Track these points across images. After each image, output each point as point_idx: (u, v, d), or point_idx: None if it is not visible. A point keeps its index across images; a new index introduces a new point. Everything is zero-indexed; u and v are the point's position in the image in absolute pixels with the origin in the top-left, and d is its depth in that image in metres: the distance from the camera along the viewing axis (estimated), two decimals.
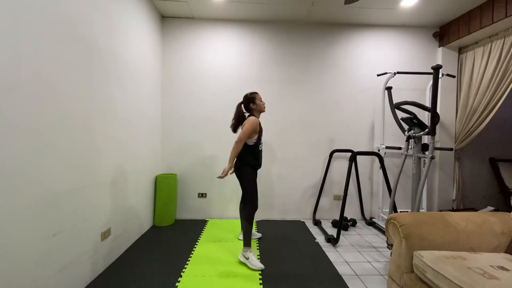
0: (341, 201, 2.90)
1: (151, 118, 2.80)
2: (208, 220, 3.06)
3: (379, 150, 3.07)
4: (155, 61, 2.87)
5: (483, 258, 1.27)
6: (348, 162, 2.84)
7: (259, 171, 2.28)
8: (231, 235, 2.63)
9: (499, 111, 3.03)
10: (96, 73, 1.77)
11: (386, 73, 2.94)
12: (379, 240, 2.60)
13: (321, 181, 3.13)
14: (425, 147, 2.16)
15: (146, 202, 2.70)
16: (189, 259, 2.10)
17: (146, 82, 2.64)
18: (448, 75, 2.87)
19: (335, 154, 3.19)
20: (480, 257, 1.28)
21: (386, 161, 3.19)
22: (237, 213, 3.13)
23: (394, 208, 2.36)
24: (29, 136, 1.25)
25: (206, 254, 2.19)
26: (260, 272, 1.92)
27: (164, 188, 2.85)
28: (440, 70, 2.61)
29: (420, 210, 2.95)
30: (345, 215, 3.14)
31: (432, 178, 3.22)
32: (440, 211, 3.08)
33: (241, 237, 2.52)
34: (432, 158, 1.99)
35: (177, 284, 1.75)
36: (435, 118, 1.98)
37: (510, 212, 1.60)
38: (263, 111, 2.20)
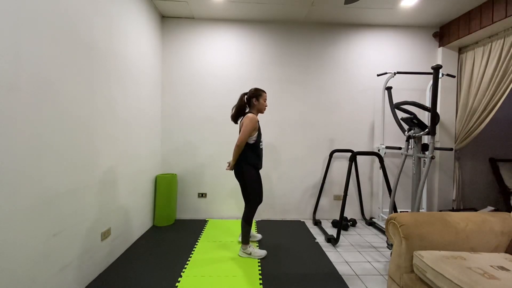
0: (341, 201, 2.90)
1: (151, 118, 2.80)
2: (208, 220, 3.06)
3: (379, 150, 3.08)
4: (155, 61, 2.87)
5: (483, 258, 1.27)
6: (348, 162, 2.84)
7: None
8: (231, 235, 2.62)
9: (499, 111, 3.04)
10: (96, 73, 1.77)
11: (386, 73, 2.94)
12: (379, 240, 2.60)
13: (321, 181, 3.13)
14: (425, 147, 2.16)
15: (146, 202, 2.70)
16: (189, 259, 2.10)
17: (146, 82, 2.64)
18: (448, 75, 2.87)
19: (335, 154, 3.19)
20: (480, 257, 1.28)
21: (386, 161, 3.19)
22: (237, 213, 3.14)
23: (394, 208, 2.36)
24: (29, 136, 1.25)
25: (206, 254, 2.19)
26: (260, 272, 1.92)
27: (164, 188, 2.85)
28: (440, 70, 2.61)
29: (420, 210, 2.95)
30: (345, 215, 3.14)
31: (432, 178, 3.22)
32: (440, 211, 3.08)
33: (241, 239, 2.51)
34: (432, 158, 1.99)
35: (177, 284, 1.75)
36: (435, 118, 1.98)
37: (510, 212, 1.60)
38: (262, 112, 2.20)
